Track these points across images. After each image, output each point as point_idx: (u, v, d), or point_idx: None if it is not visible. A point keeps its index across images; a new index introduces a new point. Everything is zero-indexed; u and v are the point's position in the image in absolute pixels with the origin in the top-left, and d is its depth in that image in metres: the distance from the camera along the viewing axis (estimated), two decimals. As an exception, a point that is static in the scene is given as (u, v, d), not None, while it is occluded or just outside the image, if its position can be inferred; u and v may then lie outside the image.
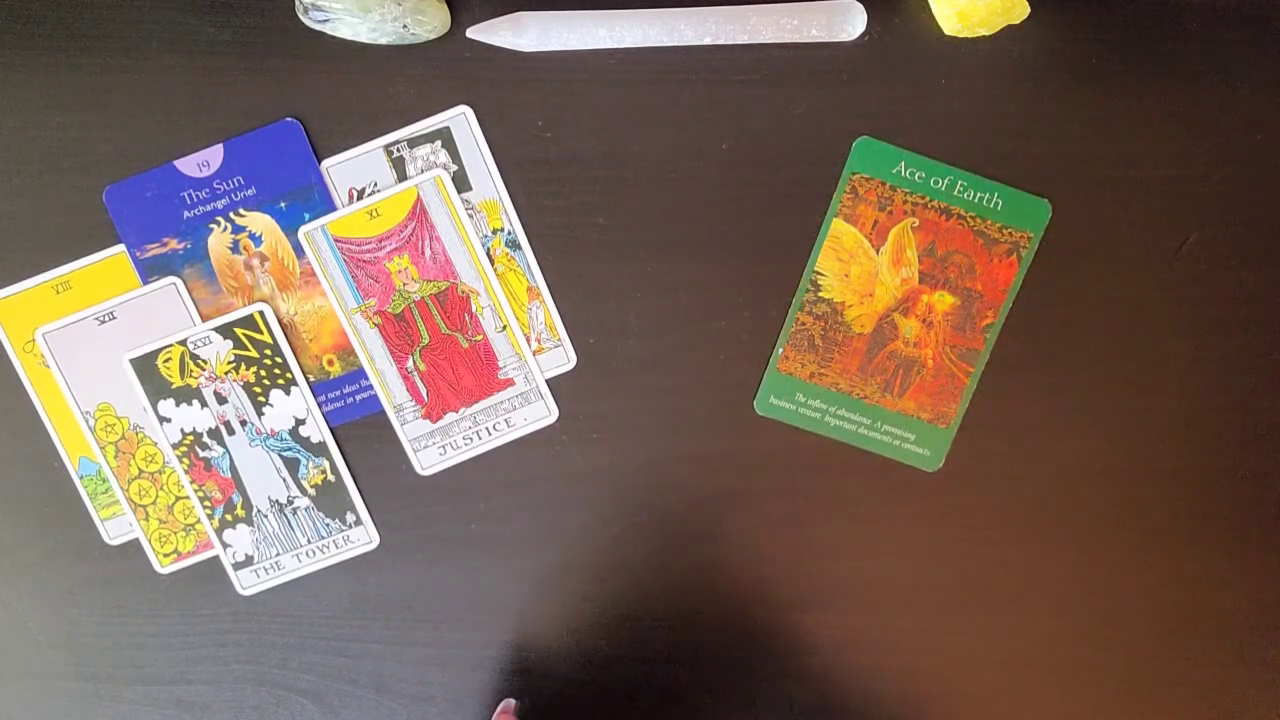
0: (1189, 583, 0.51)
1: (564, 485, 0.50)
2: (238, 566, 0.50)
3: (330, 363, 0.50)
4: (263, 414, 0.50)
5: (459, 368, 0.50)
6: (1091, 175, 0.49)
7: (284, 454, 0.50)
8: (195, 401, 0.49)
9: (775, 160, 0.49)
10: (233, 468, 0.50)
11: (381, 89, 0.48)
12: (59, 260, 0.49)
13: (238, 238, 0.49)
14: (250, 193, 0.48)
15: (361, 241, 0.49)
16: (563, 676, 0.51)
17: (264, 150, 0.48)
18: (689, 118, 0.49)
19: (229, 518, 0.50)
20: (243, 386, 0.49)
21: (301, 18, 0.46)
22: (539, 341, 0.50)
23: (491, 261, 0.49)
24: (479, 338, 0.50)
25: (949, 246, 0.49)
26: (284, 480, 0.50)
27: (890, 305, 0.49)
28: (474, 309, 0.49)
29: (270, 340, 0.49)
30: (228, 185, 0.48)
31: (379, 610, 0.51)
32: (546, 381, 0.50)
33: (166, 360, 0.49)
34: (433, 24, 0.46)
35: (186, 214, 0.48)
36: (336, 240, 0.49)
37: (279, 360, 0.49)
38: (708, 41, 0.47)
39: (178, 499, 0.50)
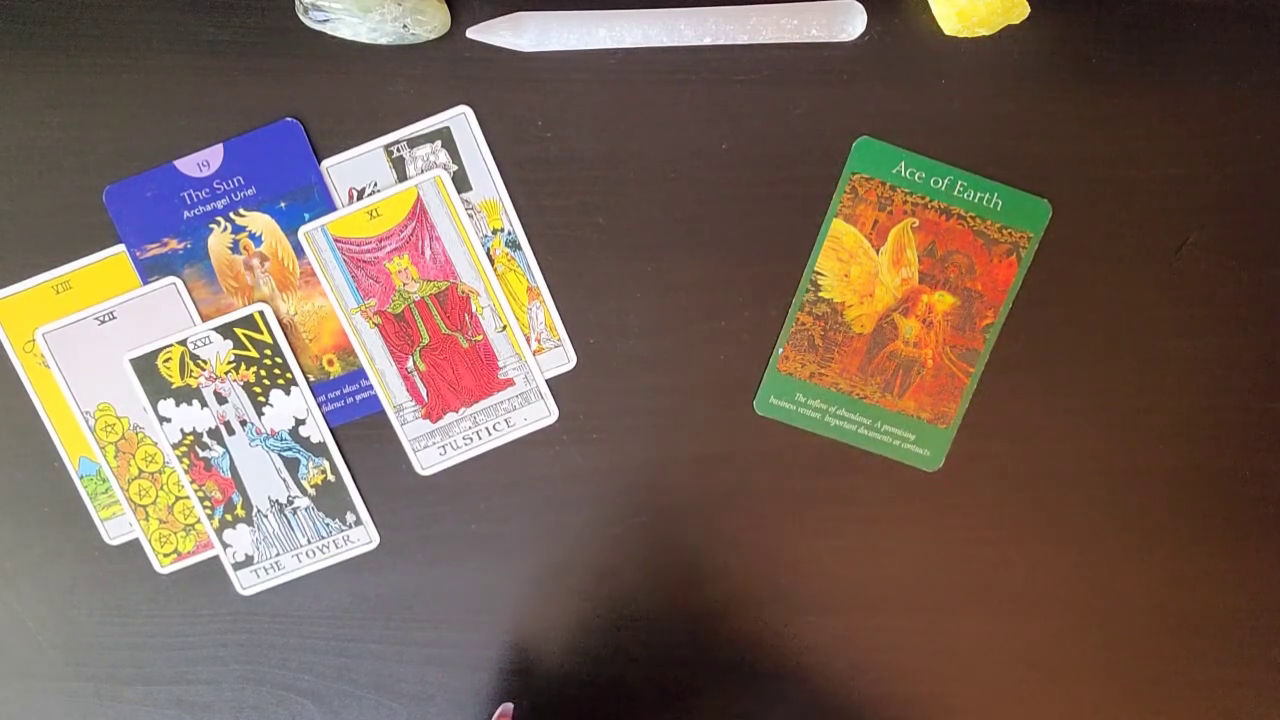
0: (1189, 583, 0.51)
1: (564, 485, 0.50)
2: (238, 566, 0.50)
3: (330, 363, 0.50)
4: (263, 414, 0.50)
5: (459, 368, 0.50)
6: (1091, 175, 0.49)
7: (284, 454, 0.50)
8: (195, 401, 0.49)
9: (775, 160, 0.49)
10: (233, 468, 0.50)
11: (381, 89, 0.48)
12: (59, 260, 0.49)
13: (238, 238, 0.49)
14: (250, 193, 0.48)
15: (361, 241, 0.49)
16: (563, 676, 0.51)
17: (264, 150, 0.48)
18: (689, 118, 0.49)
19: (229, 518, 0.50)
20: (243, 386, 0.49)
21: (301, 18, 0.46)
22: (539, 341, 0.50)
23: (491, 261, 0.49)
24: (479, 338, 0.50)
25: (949, 246, 0.49)
26: (284, 480, 0.50)
27: (890, 305, 0.49)
28: (474, 309, 0.49)
29: (270, 340, 0.49)
30: (228, 185, 0.48)
31: (379, 610, 0.51)
32: (546, 381, 0.50)
33: (166, 360, 0.49)
34: (433, 24, 0.46)
35: (186, 214, 0.48)
36: (336, 240, 0.49)
37: (279, 360, 0.49)
38: (708, 41, 0.47)
39: (178, 499, 0.50)
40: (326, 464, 0.50)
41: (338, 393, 0.50)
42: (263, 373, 0.49)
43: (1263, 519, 0.51)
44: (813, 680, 0.51)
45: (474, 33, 0.47)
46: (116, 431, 0.49)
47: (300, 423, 0.50)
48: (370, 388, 0.50)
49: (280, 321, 0.49)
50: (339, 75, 0.48)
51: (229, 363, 0.49)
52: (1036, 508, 0.51)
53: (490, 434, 0.50)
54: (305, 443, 0.50)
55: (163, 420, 0.49)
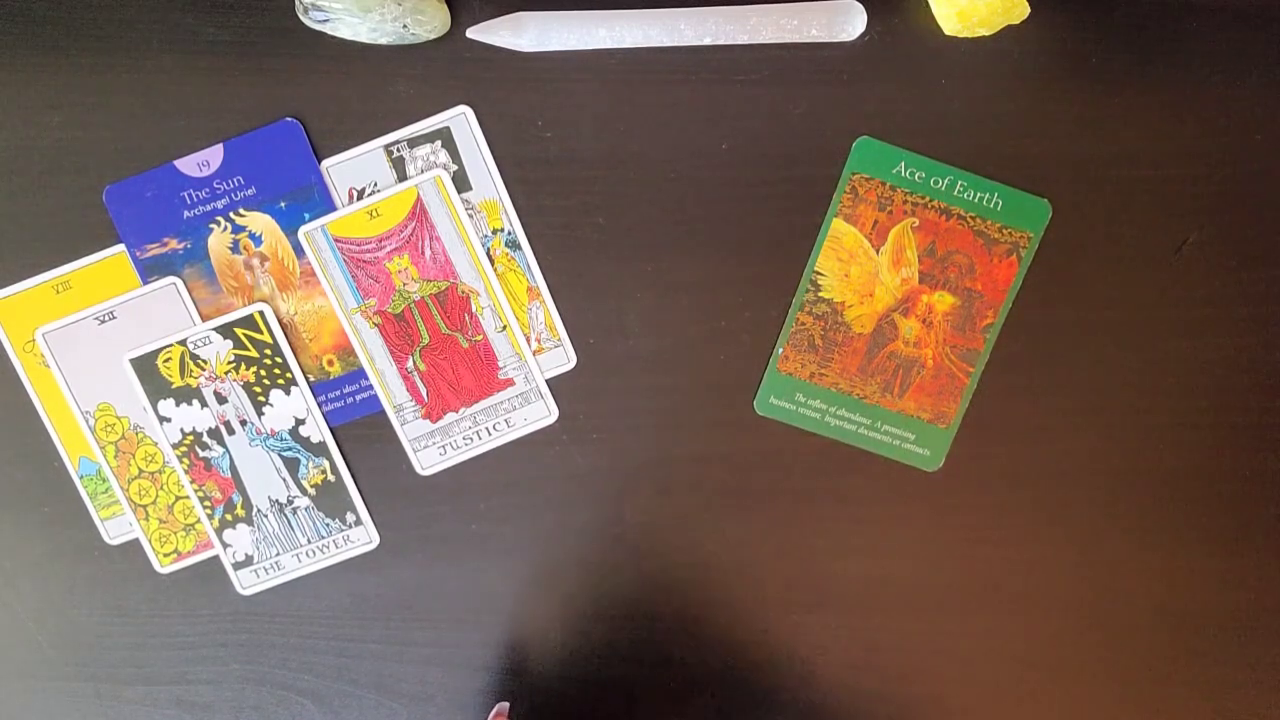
0: (1189, 583, 0.51)
1: (564, 485, 0.50)
2: (238, 566, 0.50)
3: (330, 363, 0.50)
4: (263, 414, 0.50)
5: (459, 368, 0.50)
6: (1091, 175, 0.49)
7: (284, 454, 0.50)
8: (195, 401, 0.49)
9: (775, 160, 0.49)
10: (233, 468, 0.50)
11: (381, 89, 0.48)
12: (59, 260, 0.49)
13: (238, 237, 0.49)
14: (250, 193, 0.48)
15: (361, 241, 0.49)
16: (562, 677, 0.51)
17: (264, 150, 0.48)
18: (689, 118, 0.49)
19: (229, 518, 0.50)
20: (243, 386, 0.49)
21: (301, 18, 0.46)
22: (539, 341, 0.50)
23: (491, 261, 0.49)
24: (479, 338, 0.50)
25: (949, 246, 0.49)
26: (284, 480, 0.50)
27: (890, 305, 0.49)
28: (474, 309, 0.49)
29: (270, 340, 0.49)
30: (228, 185, 0.48)
31: (379, 610, 0.51)
32: (546, 381, 0.50)
33: (166, 360, 0.49)
34: (433, 24, 0.46)
35: (186, 214, 0.48)
36: (336, 240, 0.49)
37: (279, 360, 0.49)
38: (708, 41, 0.47)
39: (178, 499, 0.50)
40: (326, 464, 0.50)
41: (338, 393, 0.50)
42: (263, 373, 0.49)
43: (1263, 519, 0.51)
44: (813, 680, 0.51)
45: (474, 33, 0.47)
46: (116, 431, 0.49)
47: (300, 423, 0.50)
48: (370, 388, 0.50)
49: (280, 321, 0.49)
50: (339, 75, 0.48)
51: (229, 363, 0.49)
52: (1036, 508, 0.51)
53: (490, 434, 0.50)
54: (305, 443, 0.50)
55: (163, 420, 0.49)
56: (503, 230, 0.49)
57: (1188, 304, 0.50)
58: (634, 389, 0.50)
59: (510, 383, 0.50)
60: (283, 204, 0.48)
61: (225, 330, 0.49)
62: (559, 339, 0.50)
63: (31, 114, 0.48)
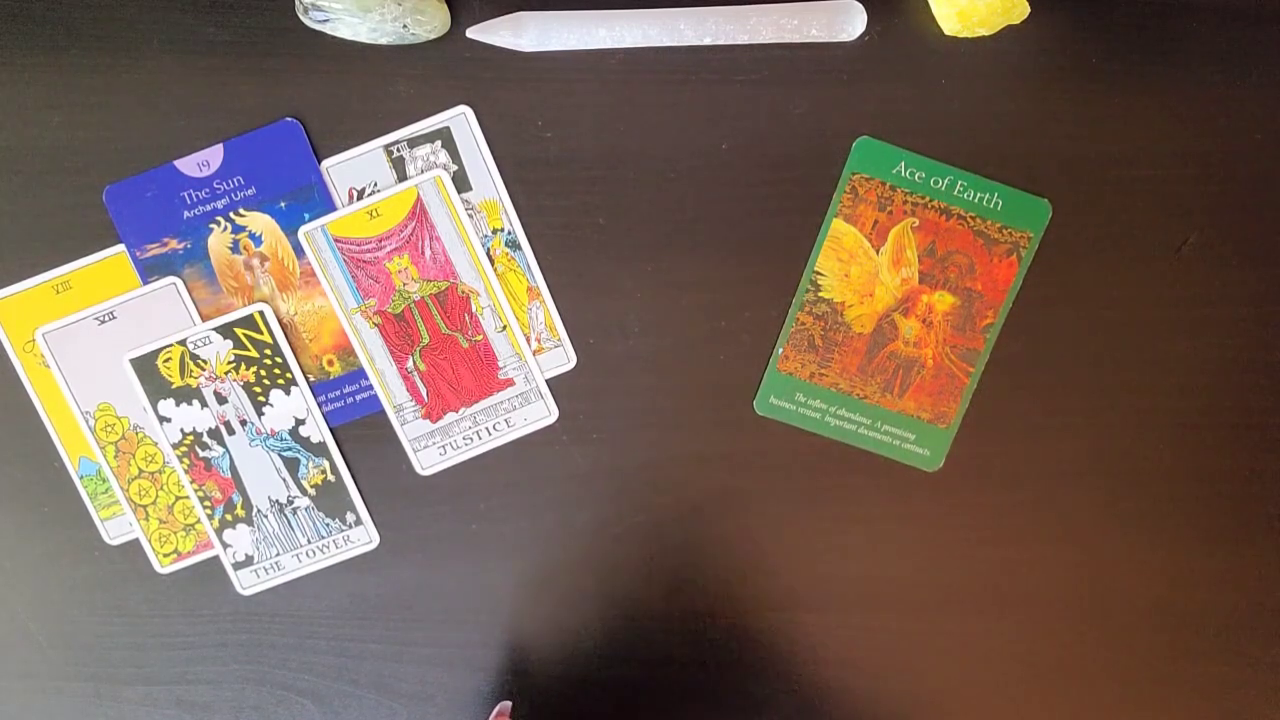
0: (1189, 583, 0.51)
1: (564, 485, 0.50)
2: (238, 566, 0.50)
3: (330, 363, 0.50)
4: (263, 414, 0.50)
5: (459, 368, 0.50)
6: (1091, 175, 0.49)
7: (284, 454, 0.50)
8: (195, 401, 0.49)
9: (775, 160, 0.49)
10: (233, 468, 0.50)
11: (381, 89, 0.48)
12: (59, 260, 0.49)
13: (238, 237, 0.49)
14: (250, 193, 0.48)
15: (361, 241, 0.49)
16: (563, 676, 0.51)
17: (264, 150, 0.48)
18: (689, 118, 0.49)
19: (229, 518, 0.50)
20: (243, 386, 0.49)
21: (301, 18, 0.46)
22: (539, 341, 0.50)
23: (491, 261, 0.49)
24: (479, 338, 0.50)
25: (949, 246, 0.49)
26: (284, 480, 0.50)
27: (890, 305, 0.49)
28: (474, 309, 0.49)
29: (270, 340, 0.49)
30: (228, 185, 0.48)
31: (379, 610, 0.51)
32: (546, 381, 0.50)
33: (166, 360, 0.49)
34: (433, 24, 0.46)
35: (186, 214, 0.48)
36: (336, 240, 0.49)
37: (279, 360, 0.49)
38: (708, 41, 0.47)
39: (178, 499, 0.50)
40: (326, 464, 0.50)
41: (338, 393, 0.50)
42: (263, 373, 0.49)
43: (1263, 519, 0.51)
44: (812, 680, 0.51)
45: (474, 33, 0.47)
46: (116, 431, 0.49)
47: (300, 423, 0.50)
48: (370, 388, 0.50)
49: (280, 321, 0.49)
50: (339, 75, 0.48)
51: (229, 363, 0.49)
52: (1036, 508, 0.51)
53: (490, 434, 0.50)
54: (305, 443, 0.50)
55: (163, 420, 0.49)
56: (503, 230, 0.49)
57: (1188, 304, 0.50)
58: (634, 389, 0.50)
59: (510, 383, 0.50)
60: (283, 204, 0.48)
61: (225, 330, 0.49)
62: (559, 339, 0.50)
63: (31, 114, 0.48)
